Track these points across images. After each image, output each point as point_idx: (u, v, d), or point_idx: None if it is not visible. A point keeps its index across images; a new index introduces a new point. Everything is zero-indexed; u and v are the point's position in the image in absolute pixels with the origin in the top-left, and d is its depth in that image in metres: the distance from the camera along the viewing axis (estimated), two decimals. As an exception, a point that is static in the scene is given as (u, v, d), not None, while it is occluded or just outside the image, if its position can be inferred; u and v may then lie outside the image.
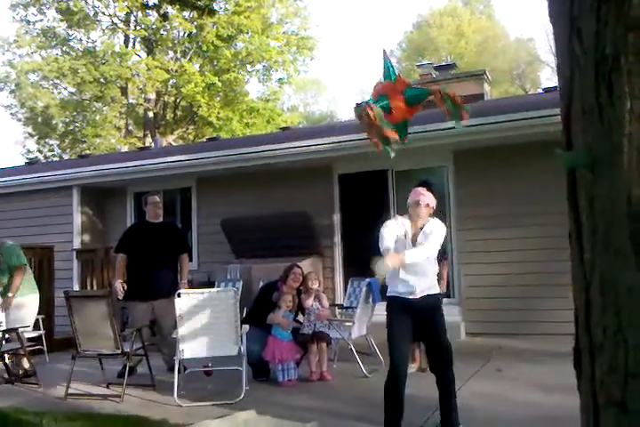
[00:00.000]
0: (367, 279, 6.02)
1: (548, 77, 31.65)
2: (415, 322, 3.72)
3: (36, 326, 6.49)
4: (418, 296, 3.75)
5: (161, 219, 6.32)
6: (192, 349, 4.94)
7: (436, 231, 3.76)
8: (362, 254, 8.13)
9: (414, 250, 3.66)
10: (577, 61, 1.49)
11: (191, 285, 6.48)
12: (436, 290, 3.84)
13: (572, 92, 1.53)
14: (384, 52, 5.05)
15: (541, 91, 12.62)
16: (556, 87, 10.18)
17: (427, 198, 3.81)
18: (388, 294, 3.88)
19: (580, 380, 1.51)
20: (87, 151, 21.68)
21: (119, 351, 5.15)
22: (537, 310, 6.97)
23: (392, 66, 4.81)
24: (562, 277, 6.25)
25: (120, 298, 5.91)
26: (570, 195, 1.59)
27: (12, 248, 6.22)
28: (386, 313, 3.86)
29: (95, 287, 8.32)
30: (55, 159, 23.03)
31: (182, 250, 6.22)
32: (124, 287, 5.88)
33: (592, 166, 1.48)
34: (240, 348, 4.96)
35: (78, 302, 5.30)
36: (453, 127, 7.02)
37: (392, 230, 3.77)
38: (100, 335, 5.18)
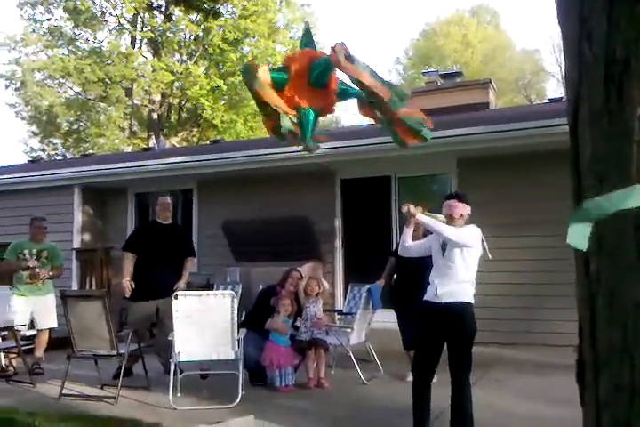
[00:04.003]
0: (367, 285, 5.97)
1: (554, 89, 31.63)
2: (441, 329, 3.67)
3: (31, 325, 6.43)
4: (442, 301, 3.69)
5: (170, 220, 6.30)
6: (188, 352, 4.88)
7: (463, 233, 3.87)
8: (362, 260, 8.20)
9: (430, 219, 3.84)
10: (586, 65, 1.44)
11: (190, 287, 6.44)
12: (461, 298, 3.70)
13: (580, 96, 1.48)
14: (306, 24, 4.63)
15: (547, 101, 12.59)
16: (561, 98, 10.15)
17: (458, 210, 3.92)
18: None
19: (584, 395, 1.46)
20: (91, 151, 21.65)
21: (115, 352, 5.10)
22: (538, 321, 6.90)
23: (311, 36, 3.98)
24: (564, 288, 6.22)
25: (127, 296, 5.86)
26: (575, 203, 1.54)
27: (59, 250, 6.73)
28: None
29: (94, 287, 8.27)
30: (58, 158, 23.02)
31: (188, 253, 6.19)
32: (131, 285, 5.83)
33: (599, 179, 1.43)
34: (237, 352, 4.92)
35: (75, 302, 5.25)
36: (458, 135, 7.10)
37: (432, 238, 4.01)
38: (95, 336, 5.13)
